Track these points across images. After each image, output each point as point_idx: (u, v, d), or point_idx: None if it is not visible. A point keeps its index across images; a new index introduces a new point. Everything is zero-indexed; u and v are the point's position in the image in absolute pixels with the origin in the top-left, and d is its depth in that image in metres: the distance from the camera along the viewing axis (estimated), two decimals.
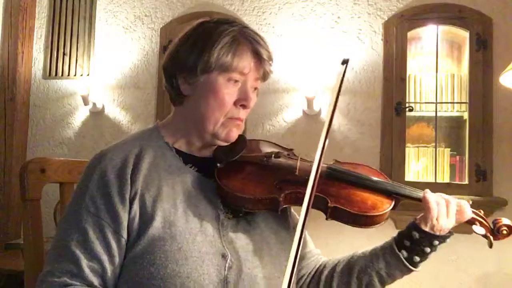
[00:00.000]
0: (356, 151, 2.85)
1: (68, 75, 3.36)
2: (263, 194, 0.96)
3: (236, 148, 1.03)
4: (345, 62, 1.00)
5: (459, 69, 2.99)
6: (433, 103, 2.89)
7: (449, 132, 2.99)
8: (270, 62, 1.01)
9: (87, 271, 0.86)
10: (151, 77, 3.22)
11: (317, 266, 1.11)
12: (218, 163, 1.00)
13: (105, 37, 3.32)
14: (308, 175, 0.88)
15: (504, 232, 1.02)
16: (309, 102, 2.86)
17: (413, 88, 2.93)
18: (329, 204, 0.95)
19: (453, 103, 2.91)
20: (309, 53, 2.95)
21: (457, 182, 2.81)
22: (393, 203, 0.99)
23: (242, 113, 1.01)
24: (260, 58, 0.98)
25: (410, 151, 2.92)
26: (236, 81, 0.97)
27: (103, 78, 3.27)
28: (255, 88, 1.02)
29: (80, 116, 3.31)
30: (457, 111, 2.92)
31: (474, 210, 1.03)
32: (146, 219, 0.89)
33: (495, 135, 2.72)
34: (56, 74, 3.39)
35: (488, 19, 2.77)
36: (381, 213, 0.96)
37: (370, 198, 0.99)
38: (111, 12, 3.33)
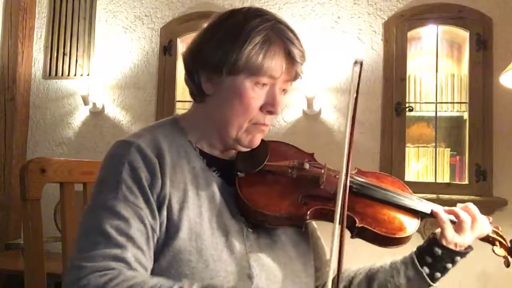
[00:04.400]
0: (356, 151, 2.84)
1: (68, 75, 3.36)
2: (288, 211, 0.91)
3: (258, 156, 0.97)
4: (358, 62, 0.90)
5: (459, 69, 2.99)
6: (433, 103, 2.89)
7: (449, 132, 2.99)
8: (302, 61, 0.92)
9: (131, 257, 0.76)
10: (151, 77, 3.22)
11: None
12: (238, 171, 0.94)
13: (105, 37, 3.32)
14: (334, 189, 0.84)
15: None
16: (309, 102, 2.86)
17: (413, 88, 2.93)
18: (356, 224, 0.91)
19: (453, 103, 2.91)
20: (309, 53, 2.94)
21: (457, 182, 2.81)
22: (419, 221, 0.97)
23: (268, 119, 0.93)
24: (292, 59, 0.90)
25: (410, 151, 2.92)
26: (264, 84, 0.89)
27: (103, 78, 3.27)
28: (284, 90, 0.95)
29: (80, 116, 3.31)
30: (457, 111, 2.92)
31: (494, 229, 1.01)
32: (172, 228, 0.82)
33: (495, 135, 2.72)
34: (56, 74, 3.39)
35: (488, 19, 2.77)
36: (407, 235, 0.93)
37: (397, 217, 0.95)
38: (111, 12, 3.33)
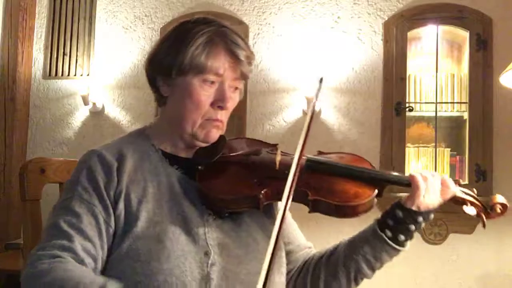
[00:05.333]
0: (356, 151, 2.81)
1: (68, 75, 3.36)
2: (242, 193, 0.96)
3: (215, 149, 1.03)
4: (321, 81, 1.01)
5: (459, 69, 2.99)
6: (433, 103, 2.89)
7: (449, 132, 2.99)
8: (249, 62, 1.00)
9: (79, 247, 0.86)
10: None
11: (306, 259, 1.10)
12: (198, 165, 1.00)
13: (105, 37, 3.32)
14: (289, 169, 0.86)
15: (498, 210, 0.97)
16: (309, 102, 2.86)
17: (413, 88, 2.93)
18: (309, 197, 0.93)
19: (453, 103, 2.91)
20: (309, 53, 2.95)
21: None
22: (377, 190, 0.96)
23: (221, 114, 1.00)
24: (236, 58, 0.97)
25: (410, 151, 2.92)
26: (212, 82, 0.97)
27: (103, 78, 3.27)
28: (236, 88, 1.02)
29: (80, 116, 3.31)
30: (457, 111, 2.92)
31: (464, 190, 1.00)
32: (131, 219, 0.91)
33: (495, 135, 2.72)
34: (56, 74, 3.38)
35: (488, 19, 2.77)
36: (363, 202, 0.94)
37: (352, 187, 0.96)
38: (111, 12, 3.33)
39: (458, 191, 0.99)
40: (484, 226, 0.98)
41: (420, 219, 0.95)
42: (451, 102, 2.91)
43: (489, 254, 2.66)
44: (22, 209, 1.08)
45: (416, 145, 2.95)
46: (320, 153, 1.09)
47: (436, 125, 2.89)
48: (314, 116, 0.97)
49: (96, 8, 3.34)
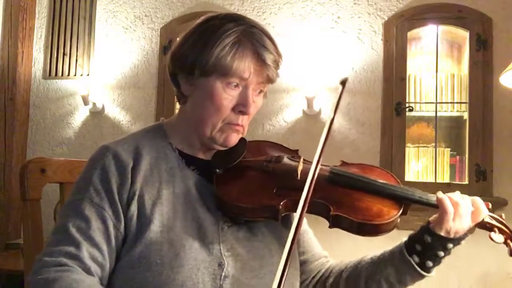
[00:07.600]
0: (356, 151, 2.85)
1: (68, 75, 3.36)
2: (261, 202, 0.92)
3: (235, 152, 0.99)
4: (343, 82, 0.98)
5: (459, 69, 2.99)
6: (433, 103, 2.89)
7: (449, 132, 2.98)
8: (276, 65, 0.94)
9: (86, 255, 0.83)
10: (151, 77, 3.22)
11: (322, 271, 1.07)
12: (217, 169, 0.96)
13: (105, 37, 3.32)
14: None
15: None
16: (309, 102, 2.86)
17: (413, 88, 2.93)
18: (331, 212, 0.89)
19: (453, 103, 2.91)
20: (309, 53, 2.95)
21: (457, 182, 2.81)
22: (402, 209, 0.91)
23: (242, 119, 0.95)
24: (263, 62, 0.91)
25: (410, 151, 2.92)
26: (236, 85, 0.92)
27: (103, 78, 3.27)
28: (260, 91, 0.97)
29: (80, 116, 3.31)
30: (457, 111, 2.92)
31: (492, 215, 0.95)
32: (144, 222, 0.87)
33: (495, 135, 2.71)
34: (56, 74, 3.39)
35: (488, 19, 2.76)
36: (386, 221, 0.89)
37: (376, 204, 0.91)
38: (111, 12, 3.33)
39: (488, 216, 0.94)
40: (511, 254, 0.92)
41: (450, 245, 0.91)
42: (451, 102, 2.91)
43: (489, 254, 2.65)
44: (22, 209, 1.07)
45: (416, 145, 2.95)
46: (343, 163, 1.04)
47: (436, 125, 2.89)
48: (332, 124, 0.95)
49: (96, 8, 3.34)
